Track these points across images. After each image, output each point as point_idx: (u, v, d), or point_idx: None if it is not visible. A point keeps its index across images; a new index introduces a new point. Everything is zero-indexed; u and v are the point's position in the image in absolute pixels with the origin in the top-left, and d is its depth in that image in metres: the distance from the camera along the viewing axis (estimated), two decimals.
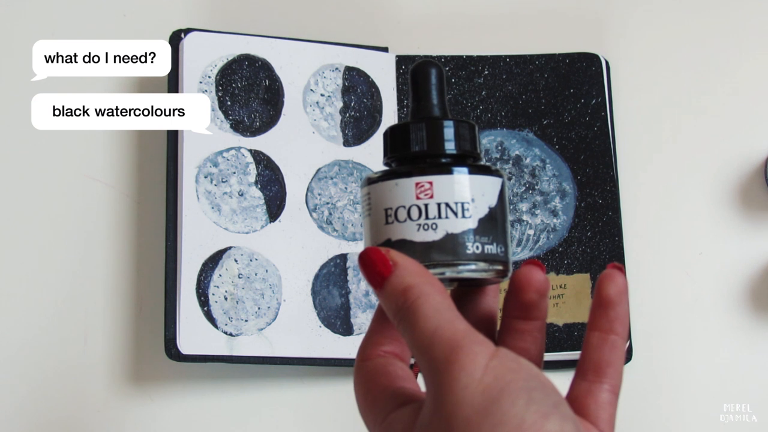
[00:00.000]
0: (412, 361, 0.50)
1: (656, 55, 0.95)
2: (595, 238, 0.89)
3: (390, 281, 0.48)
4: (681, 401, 0.87)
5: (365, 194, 0.51)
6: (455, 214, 0.49)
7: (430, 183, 0.49)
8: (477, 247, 0.49)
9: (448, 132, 0.51)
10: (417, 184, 0.49)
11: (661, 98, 0.94)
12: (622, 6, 0.97)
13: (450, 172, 0.50)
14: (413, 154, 0.51)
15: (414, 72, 0.52)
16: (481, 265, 0.50)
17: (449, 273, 0.50)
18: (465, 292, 0.53)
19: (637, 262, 0.89)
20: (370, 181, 0.51)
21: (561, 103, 0.91)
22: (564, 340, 0.86)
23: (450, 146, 0.51)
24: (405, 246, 0.49)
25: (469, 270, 0.50)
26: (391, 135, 0.52)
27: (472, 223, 0.49)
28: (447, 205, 0.49)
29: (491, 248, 0.50)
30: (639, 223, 0.91)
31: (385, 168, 0.52)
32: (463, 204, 0.50)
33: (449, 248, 0.49)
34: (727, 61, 0.95)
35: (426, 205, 0.49)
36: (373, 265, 0.48)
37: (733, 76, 0.95)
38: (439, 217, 0.49)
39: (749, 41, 0.96)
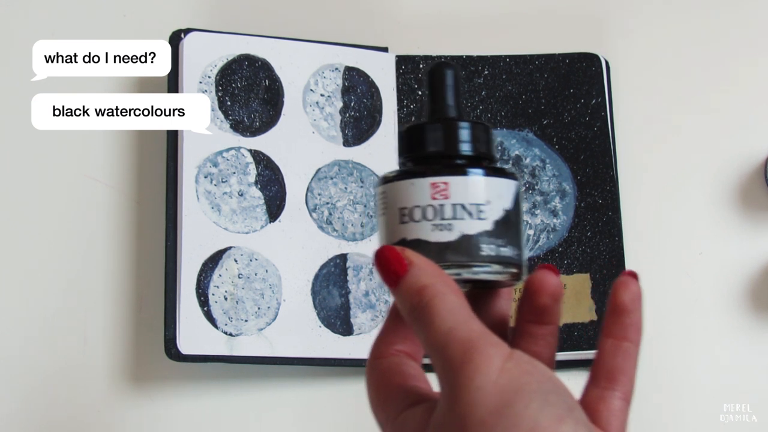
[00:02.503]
0: (426, 361, 0.50)
1: (656, 55, 0.95)
2: (595, 238, 0.89)
3: (405, 280, 0.48)
4: (681, 401, 0.87)
5: (380, 193, 0.51)
6: (470, 215, 0.49)
7: (446, 183, 0.49)
8: (492, 249, 0.49)
9: (464, 133, 0.51)
10: (433, 184, 0.49)
11: (661, 98, 0.94)
12: (622, 6, 0.97)
13: (466, 173, 0.50)
14: (429, 154, 0.51)
15: (430, 73, 0.52)
16: (496, 267, 0.50)
17: (465, 274, 0.49)
18: (477, 295, 0.53)
19: (637, 262, 0.89)
20: (386, 180, 0.51)
21: (561, 103, 0.91)
22: (564, 340, 0.86)
23: (466, 147, 0.51)
24: (420, 246, 0.49)
25: (485, 272, 0.50)
26: (407, 135, 0.52)
27: (487, 225, 0.49)
28: (462, 206, 0.49)
29: (506, 251, 0.50)
30: (639, 223, 0.91)
31: (401, 167, 0.52)
32: (478, 205, 0.49)
33: (464, 249, 0.49)
34: (727, 61, 0.95)
35: (441, 206, 0.49)
36: (389, 264, 0.48)
37: (733, 76, 0.95)
38: (455, 218, 0.49)
39: (749, 41, 0.96)
